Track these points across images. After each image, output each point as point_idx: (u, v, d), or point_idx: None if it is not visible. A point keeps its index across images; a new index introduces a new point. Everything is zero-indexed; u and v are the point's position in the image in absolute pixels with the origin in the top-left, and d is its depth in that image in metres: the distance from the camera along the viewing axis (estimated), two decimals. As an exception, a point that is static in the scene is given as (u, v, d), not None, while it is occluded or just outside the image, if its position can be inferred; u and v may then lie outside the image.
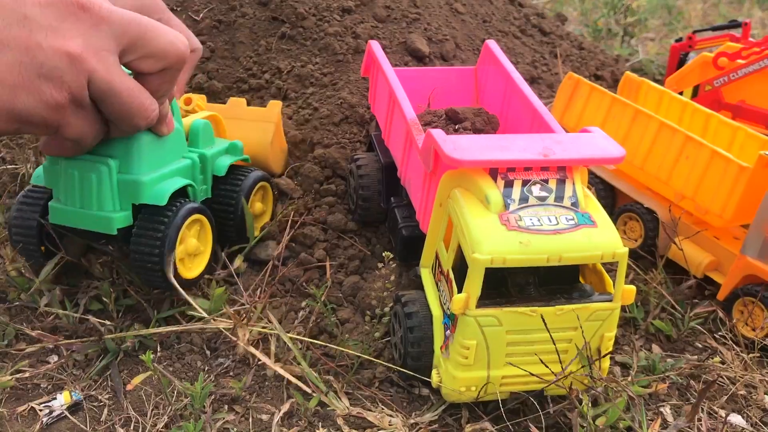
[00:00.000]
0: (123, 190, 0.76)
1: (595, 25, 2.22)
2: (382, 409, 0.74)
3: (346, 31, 1.20)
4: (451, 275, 0.68)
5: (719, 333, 0.90)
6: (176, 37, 0.68)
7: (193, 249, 0.83)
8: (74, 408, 0.73)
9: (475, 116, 0.88)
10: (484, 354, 0.66)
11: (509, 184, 0.66)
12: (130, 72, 0.69)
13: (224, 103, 1.05)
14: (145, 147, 0.77)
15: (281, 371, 0.74)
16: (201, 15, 1.24)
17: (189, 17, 1.25)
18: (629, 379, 0.78)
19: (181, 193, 0.84)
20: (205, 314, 0.78)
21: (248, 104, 1.09)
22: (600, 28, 2.22)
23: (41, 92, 0.60)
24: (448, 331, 0.68)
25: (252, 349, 0.74)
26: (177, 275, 0.79)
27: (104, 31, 0.63)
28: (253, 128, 1.00)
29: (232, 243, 0.93)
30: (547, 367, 0.65)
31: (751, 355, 0.85)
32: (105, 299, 0.85)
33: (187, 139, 0.88)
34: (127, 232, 0.79)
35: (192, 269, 0.84)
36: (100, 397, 0.74)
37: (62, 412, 0.72)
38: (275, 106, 1.01)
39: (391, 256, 0.76)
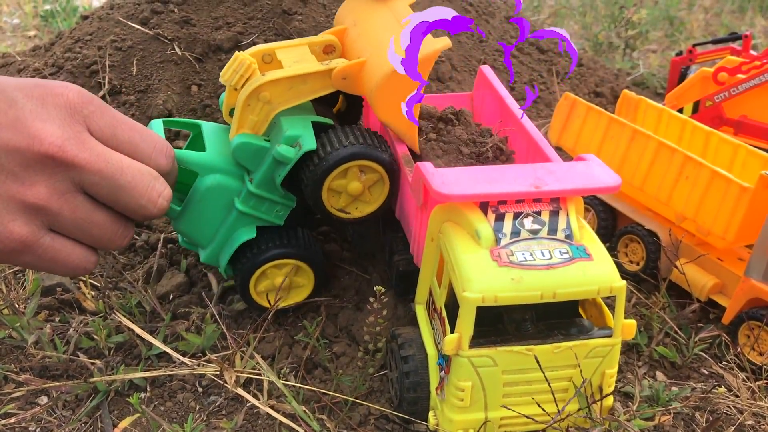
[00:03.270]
0: None
1: (596, 39, 2.21)
2: (378, 447, 0.72)
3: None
4: (444, 313, 0.66)
5: (725, 359, 0.88)
6: (149, 200, 0.68)
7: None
8: (63, 452, 0.72)
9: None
10: (481, 395, 0.64)
11: (500, 218, 0.64)
12: None
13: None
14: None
15: (272, 412, 0.72)
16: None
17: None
18: (631, 412, 0.76)
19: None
20: (188, 361, 0.77)
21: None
22: (601, 42, 2.20)
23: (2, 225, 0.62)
24: (443, 372, 0.66)
25: (241, 391, 0.73)
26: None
27: (73, 176, 0.63)
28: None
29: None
30: (543, 409, 0.63)
31: (758, 382, 0.83)
32: (96, 336, 0.84)
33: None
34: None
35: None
36: (88, 442, 0.73)
37: (50, 457, 0.71)
38: (440, 41, 0.71)
39: (383, 290, 0.75)
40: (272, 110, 0.78)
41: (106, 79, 1.20)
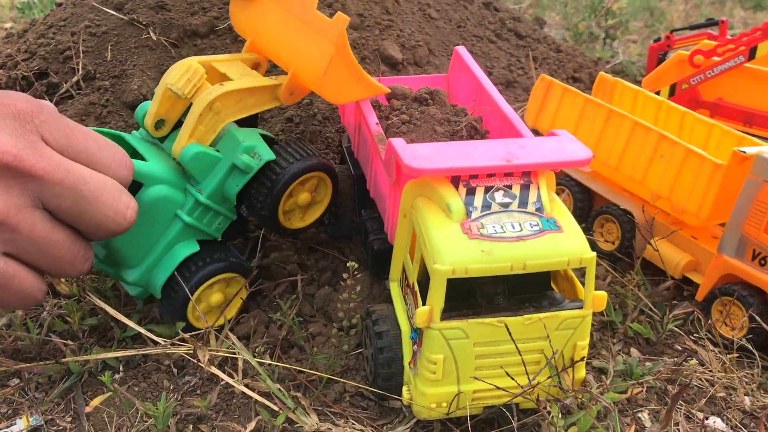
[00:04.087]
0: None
1: (576, 29, 2.21)
2: (353, 424, 0.72)
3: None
4: (417, 288, 0.66)
5: (697, 334, 0.89)
6: (117, 212, 0.64)
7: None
8: (35, 433, 0.71)
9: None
10: (453, 368, 0.64)
11: (471, 192, 0.64)
12: None
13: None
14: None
15: (246, 390, 0.72)
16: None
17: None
18: (605, 385, 0.77)
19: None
20: (161, 341, 0.76)
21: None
22: (581, 32, 2.21)
23: None
24: (416, 346, 0.66)
25: (215, 370, 0.72)
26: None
27: (31, 189, 0.59)
28: (314, 42, 0.78)
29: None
30: (514, 380, 0.63)
31: (729, 355, 0.84)
32: (69, 319, 0.83)
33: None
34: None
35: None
36: (59, 422, 0.72)
37: (22, 438, 0.70)
38: (340, 21, 0.74)
39: (356, 266, 0.75)
40: (219, 122, 0.78)
41: (80, 65, 1.19)
